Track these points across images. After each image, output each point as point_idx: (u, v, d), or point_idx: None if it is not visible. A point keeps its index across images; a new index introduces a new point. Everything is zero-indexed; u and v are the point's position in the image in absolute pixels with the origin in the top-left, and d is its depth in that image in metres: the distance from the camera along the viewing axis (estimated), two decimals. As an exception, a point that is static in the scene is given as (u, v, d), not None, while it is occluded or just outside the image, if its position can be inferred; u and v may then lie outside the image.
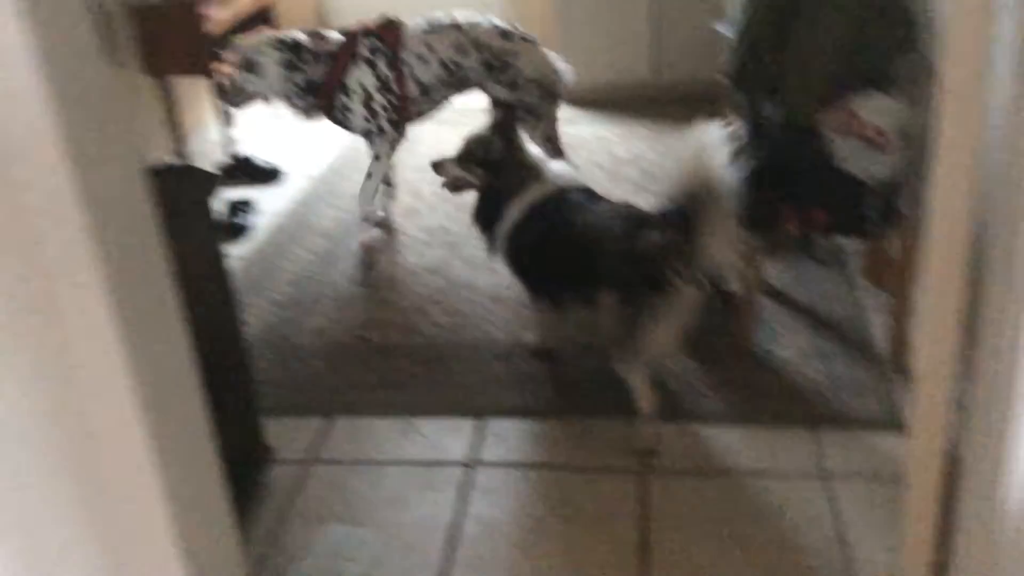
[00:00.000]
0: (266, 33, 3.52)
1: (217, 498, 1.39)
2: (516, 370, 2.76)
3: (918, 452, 2.01)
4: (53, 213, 1.05)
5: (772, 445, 2.41)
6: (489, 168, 2.61)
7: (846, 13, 2.65)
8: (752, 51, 2.71)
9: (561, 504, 2.24)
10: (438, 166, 2.73)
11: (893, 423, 2.42)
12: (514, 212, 2.52)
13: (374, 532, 2.15)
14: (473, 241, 3.38)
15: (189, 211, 2.04)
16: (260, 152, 4.55)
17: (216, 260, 2.14)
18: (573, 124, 4.67)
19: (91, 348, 1.11)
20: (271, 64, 3.31)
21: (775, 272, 3.15)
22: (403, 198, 3.98)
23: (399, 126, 3.51)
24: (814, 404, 2.54)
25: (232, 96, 3.50)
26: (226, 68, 3.51)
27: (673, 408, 2.54)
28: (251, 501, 2.24)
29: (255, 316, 3.14)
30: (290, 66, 3.32)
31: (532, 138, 3.06)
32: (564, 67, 3.49)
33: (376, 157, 3.52)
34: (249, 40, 3.43)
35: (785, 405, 2.55)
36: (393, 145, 3.54)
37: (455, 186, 2.74)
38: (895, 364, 2.65)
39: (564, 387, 2.67)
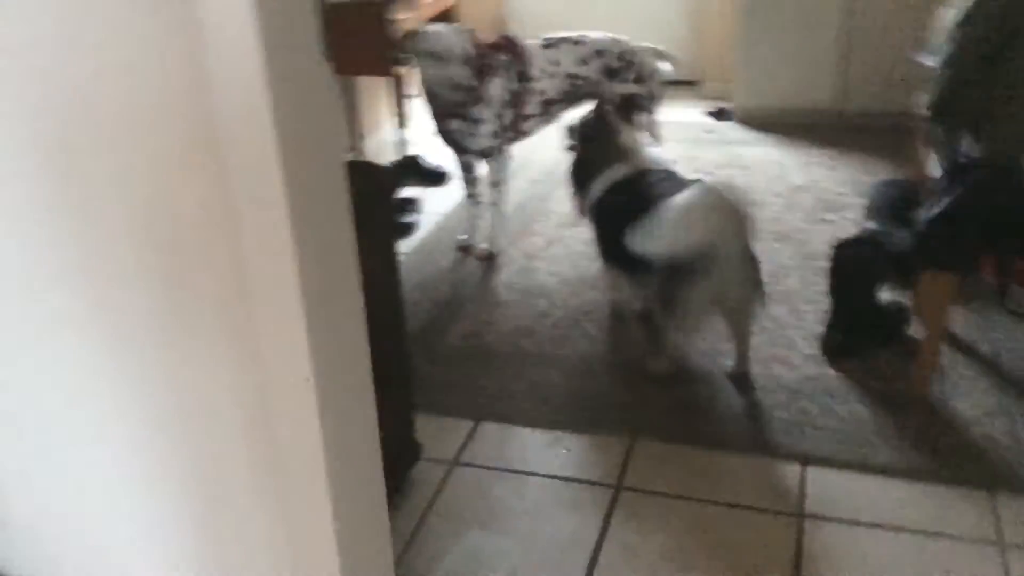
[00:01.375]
0: (442, 24, 3.55)
1: (375, 493, 1.39)
2: (669, 394, 2.67)
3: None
4: (259, 199, 1.07)
5: (944, 504, 2.22)
6: (585, 143, 3.05)
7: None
8: (957, 82, 2.53)
9: (709, 539, 2.15)
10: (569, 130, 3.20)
11: (1087, 497, 2.20)
12: (600, 184, 2.86)
13: (514, 542, 2.12)
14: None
15: (371, 206, 2.07)
16: (429, 154, 4.63)
17: (390, 257, 2.17)
18: (750, 146, 4.55)
19: (279, 336, 1.13)
20: (454, 56, 3.29)
21: (962, 319, 2.93)
22: (562, 209, 3.95)
23: (510, 145, 3.53)
24: (994, 465, 2.33)
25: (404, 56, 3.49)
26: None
27: (839, 455, 2.39)
28: (396, 496, 2.25)
29: (413, 313, 3.18)
30: (465, 62, 3.32)
31: (639, 126, 3.37)
32: (666, 66, 3.70)
33: (496, 184, 3.52)
34: (430, 28, 3.46)
35: (961, 463, 2.35)
36: (507, 165, 3.55)
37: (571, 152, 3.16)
38: (1092, 433, 2.41)
39: (720, 418, 2.56)
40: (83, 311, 1.20)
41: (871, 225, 3.32)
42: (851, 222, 3.63)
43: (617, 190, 2.79)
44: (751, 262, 2.54)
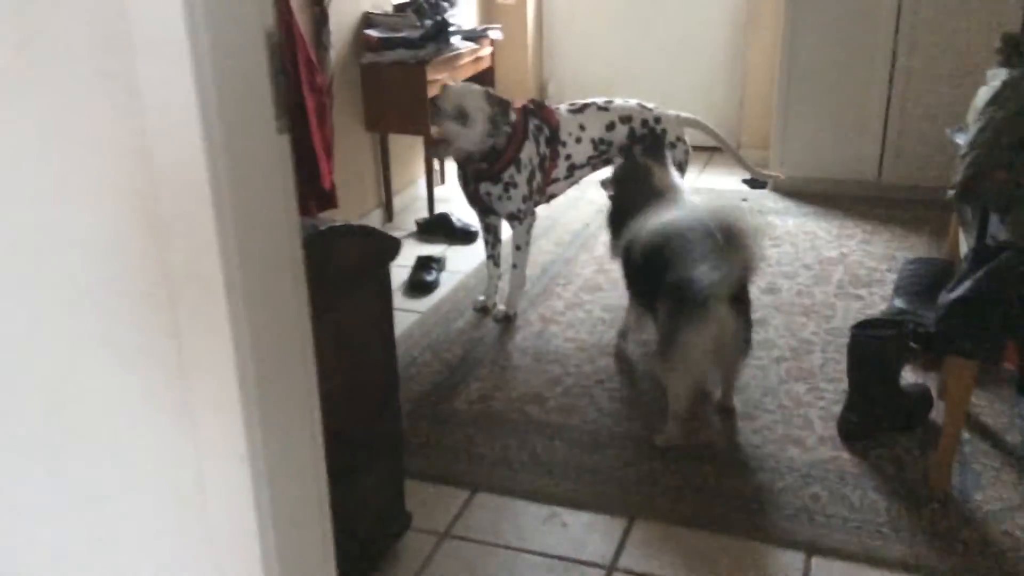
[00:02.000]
0: (471, 84, 3.57)
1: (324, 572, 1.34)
2: (674, 470, 2.58)
3: None
4: (196, 275, 1.05)
5: (957, 608, 2.10)
6: (620, 187, 3.15)
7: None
8: (984, 164, 2.45)
9: (700, 631, 2.05)
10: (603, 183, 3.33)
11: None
12: (637, 225, 2.79)
13: (495, 624, 2.04)
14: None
15: (366, 272, 2.05)
16: (458, 212, 4.64)
17: (385, 323, 2.14)
18: (783, 215, 4.47)
19: (216, 415, 1.10)
20: (480, 117, 3.33)
21: (988, 407, 2.80)
22: (586, 273, 3.91)
23: (535, 208, 3.56)
24: (1012, 566, 2.20)
25: (437, 146, 3.58)
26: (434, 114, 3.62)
27: (847, 546, 2.28)
28: (380, 567, 2.19)
29: (422, 373, 3.15)
30: (493, 124, 3.33)
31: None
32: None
33: (518, 247, 3.51)
34: (458, 86, 3.49)
35: (978, 562, 2.22)
36: (531, 228, 3.52)
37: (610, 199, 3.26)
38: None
39: (728, 500, 2.46)
40: (26, 378, 1.19)
41: (899, 303, 3.23)
42: (880, 298, 3.54)
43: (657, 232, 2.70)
44: (746, 303, 2.67)
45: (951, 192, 2.55)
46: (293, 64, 3.54)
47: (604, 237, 3.48)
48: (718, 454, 2.66)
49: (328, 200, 3.85)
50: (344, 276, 1.97)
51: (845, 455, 2.62)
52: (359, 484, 2.09)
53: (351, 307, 2.02)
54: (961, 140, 2.78)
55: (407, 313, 3.62)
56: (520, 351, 3.30)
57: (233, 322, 1.08)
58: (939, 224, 4.09)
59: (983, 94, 2.75)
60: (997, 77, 2.72)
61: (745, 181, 4.91)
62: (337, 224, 1.98)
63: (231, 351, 1.09)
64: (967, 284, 2.32)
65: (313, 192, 3.74)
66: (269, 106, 1.12)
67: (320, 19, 3.82)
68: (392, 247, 2.12)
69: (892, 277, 3.68)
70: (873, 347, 2.64)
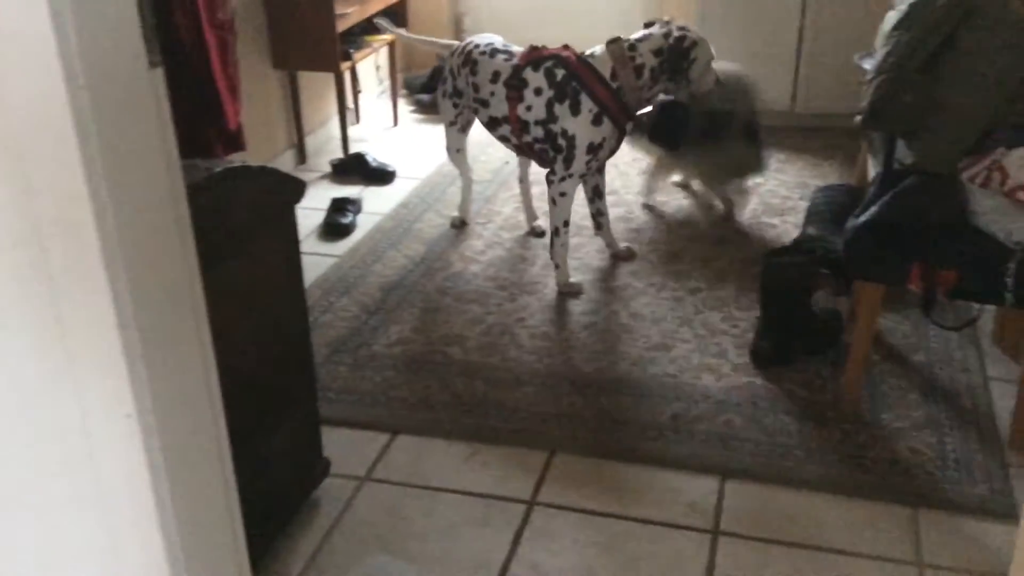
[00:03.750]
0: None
1: (226, 530, 1.30)
2: (592, 403, 2.60)
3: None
4: (65, 222, 0.98)
5: (865, 522, 2.17)
6: None
7: (1013, 50, 2.38)
8: (891, 89, 2.47)
9: (618, 558, 2.08)
10: None
11: (1006, 512, 2.15)
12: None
13: (415, 567, 2.04)
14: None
15: (269, 217, 1.98)
16: (376, 152, 4.54)
17: (292, 268, 2.08)
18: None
19: (99, 373, 1.04)
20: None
21: (897, 328, 2.88)
22: (505, 211, 3.88)
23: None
24: (919, 481, 2.28)
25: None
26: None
27: (760, 468, 2.33)
28: (299, 515, 2.17)
29: (340, 318, 3.10)
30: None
31: None
32: None
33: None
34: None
35: (885, 478, 2.30)
36: None
37: None
38: (1018, 446, 2.37)
39: (644, 430, 2.50)
40: None
41: (810, 230, 3.27)
42: (794, 226, 3.59)
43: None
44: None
45: (858, 118, 2.57)
46: (193, 2, 3.37)
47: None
48: (634, 385, 2.68)
49: (235, 142, 3.71)
50: (245, 221, 1.90)
51: (758, 381, 2.67)
52: (273, 433, 2.05)
53: (255, 253, 1.95)
54: (869, 66, 2.79)
55: (323, 257, 3.55)
56: (440, 292, 3.27)
57: (110, 272, 1.02)
58: (850, 151, 4.15)
59: (891, 18, 2.76)
60: (904, 1, 2.73)
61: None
62: (235, 165, 1.90)
63: (109, 304, 1.03)
64: (873, 209, 2.36)
65: (219, 134, 3.60)
66: (138, 38, 1.05)
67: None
68: (296, 189, 2.04)
69: (805, 205, 3.73)
70: (783, 274, 2.68)
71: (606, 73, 3.03)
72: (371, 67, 5.07)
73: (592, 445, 2.45)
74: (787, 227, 3.61)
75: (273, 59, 4.17)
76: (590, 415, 2.56)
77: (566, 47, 3.16)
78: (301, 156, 4.46)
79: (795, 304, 2.72)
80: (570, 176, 3.12)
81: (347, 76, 4.70)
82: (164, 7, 3.30)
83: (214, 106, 3.52)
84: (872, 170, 2.90)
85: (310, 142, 4.51)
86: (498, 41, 3.38)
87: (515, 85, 3.13)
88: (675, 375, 2.72)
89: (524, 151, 3.33)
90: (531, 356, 2.86)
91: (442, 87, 3.52)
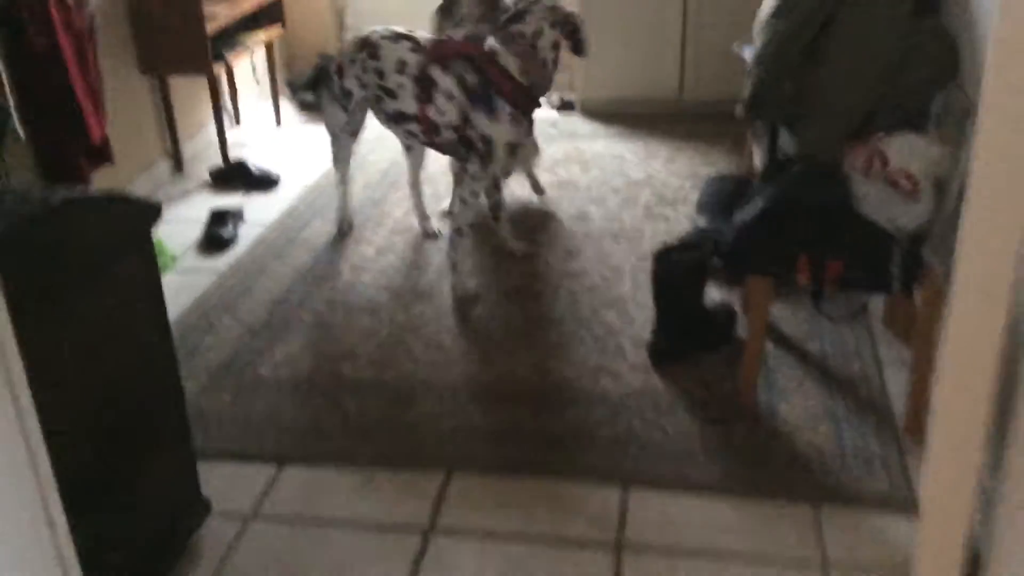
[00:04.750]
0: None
1: None
2: (490, 414, 2.52)
3: (931, 541, 1.76)
4: None
5: (767, 523, 2.14)
6: None
7: (886, 37, 2.37)
8: (770, 77, 2.45)
9: (524, 582, 2.00)
10: None
11: (906, 503, 2.15)
12: None
13: (306, 611, 1.92)
14: (464, 268, 3.15)
15: (119, 248, 1.82)
16: (258, 156, 4.35)
17: (153, 298, 1.92)
18: (592, 139, 4.44)
19: None
20: None
21: (790, 319, 2.88)
22: (396, 214, 3.75)
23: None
24: (819, 476, 2.27)
25: None
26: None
27: (662, 474, 2.28)
28: (177, 564, 2.01)
29: (222, 340, 2.93)
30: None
31: None
32: None
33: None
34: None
35: (786, 476, 2.28)
36: None
37: None
38: (913, 431, 2.37)
39: (545, 441, 2.42)
40: None
41: (700, 222, 3.25)
42: (685, 217, 3.57)
43: None
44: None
45: (739, 108, 2.54)
46: (43, 7, 3.13)
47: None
48: (533, 392, 2.61)
49: (101, 155, 3.49)
50: (90, 256, 1.73)
51: (657, 381, 2.62)
52: (140, 477, 1.89)
53: (107, 286, 1.79)
54: (748, 54, 2.78)
55: (203, 275, 3.36)
56: (329, 306, 3.13)
57: None
58: (737, 139, 4.15)
59: (767, 5, 2.74)
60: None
61: (556, 107, 4.83)
62: (75, 196, 1.73)
63: None
64: (759, 203, 2.33)
65: (82, 148, 3.37)
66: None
67: (69, -49, 3.39)
68: (150, 213, 1.88)
69: (696, 195, 3.72)
70: (674, 272, 2.64)
71: (516, 71, 2.93)
72: (248, 67, 4.85)
73: (491, 461, 2.36)
74: (679, 218, 3.59)
75: (140, 64, 3.93)
76: (488, 429, 2.47)
77: (472, 42, 3.03)
78: (177, 164, 4.23)
79: (688, 300, 2.68)
80: (485, 176, 3.03)
81: (224, 78, 4.48)
82: (13, 14, 3.05)
83: (75, 119, 3.29)
84: (758, 159, 2.88)
85: (187, 149, 4.28)
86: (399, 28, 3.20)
87: (424, 85, 3.00)
88: (573, 379, 2.65)
89: (433, 148, 3.22)
90: (427, 368, 2.75)
91: (328, 91, 3.35)
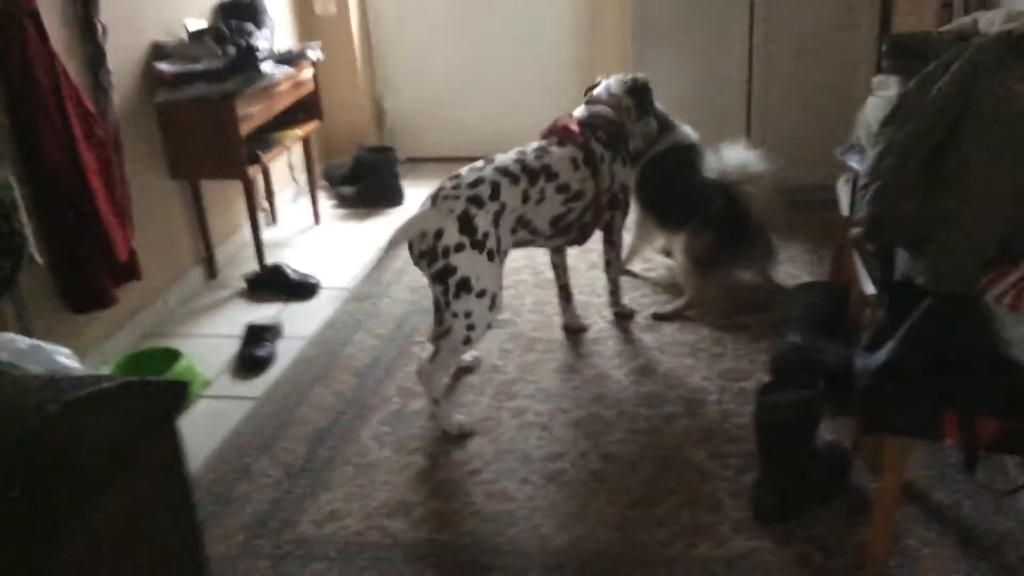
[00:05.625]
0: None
1: None
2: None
3: None
4: None
5: None
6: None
7: (1020, 143, 2.01)
8: (890, 195, 2.09)
9: None
10: None
11: None
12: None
13: None
14: (526, 392, 2.81)
15: (137, 444, 1.50)
16: (296, 258, 4.07)
17: (177, 498, 1.60)
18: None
19: None
20: None
21: (915, 462, 2.47)
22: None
23: None
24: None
25: None
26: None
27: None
28: None
29: (259, 487, 2.59)
30: None
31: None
32: None
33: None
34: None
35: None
36: None
37: None
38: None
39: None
40: None
41: (794, 338, 2.90)
42: (769, 325, 3.21)
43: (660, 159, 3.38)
44: None
45: (855, 230, 2.19)
46: (63, 118, 2.89)
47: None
48: (617, 561, 2.23)
49: (128, 272, 3.22)
50: (104, 455, 1.41)
51: (766, 544, 2.24)
52: None
53: (122, 491, 1.46)
54: (855, 163, 2.44)
55: (238, 401, 3.05)
56: (376, 440, 2.79)
57: None
58: (816, 228, 3.81)
59: (873, 106, 2.41)
60: (887, 86, 2.38)
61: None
62: (88, 390, 1.42)
63: None
64: (889, 346, 1.97)
65: (107, 268, 3.10)
66: None
67: (95, 59, 3.16)
68: (174, 396, 1.56)
69: (776, 297, 3.37)
70: (783, 415, 2.27)
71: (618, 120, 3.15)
72: (284, 165, 4.60)
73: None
74: (762, 327, 3.22)
75: (170, 169, 3.68)
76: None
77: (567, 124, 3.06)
78: (211, 271, 3.96)
79: (799, 446, 2.31)
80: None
81: (259, 177, 4.23)
82: (27, 125, 2.81)
83: (99, 238, 3.02)
84: (865, 279, 2.51)
85: (220, 254, 4.01)
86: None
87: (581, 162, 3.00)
88: (665, 543, 2.27)
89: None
90: (489, 526, 2.38)
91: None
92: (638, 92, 3.19)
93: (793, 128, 4.08)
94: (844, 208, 2.79)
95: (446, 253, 2.60)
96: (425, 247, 2.65)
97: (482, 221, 2.64)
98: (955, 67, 2.07)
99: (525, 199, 2.79)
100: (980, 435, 1.88)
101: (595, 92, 3.22)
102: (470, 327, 2.67)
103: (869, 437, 2.30)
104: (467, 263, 2.62)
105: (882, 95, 2.37)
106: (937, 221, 2.06)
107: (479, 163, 2.83)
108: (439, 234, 2.60)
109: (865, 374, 1.96)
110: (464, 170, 2.79)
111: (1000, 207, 2.02)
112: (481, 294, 2.64)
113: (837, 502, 2.34)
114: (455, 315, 2.66)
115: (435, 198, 2.69)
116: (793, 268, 3.63)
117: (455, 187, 2.69)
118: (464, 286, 2.62)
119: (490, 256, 2.66)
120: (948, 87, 2.07)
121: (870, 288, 2.40)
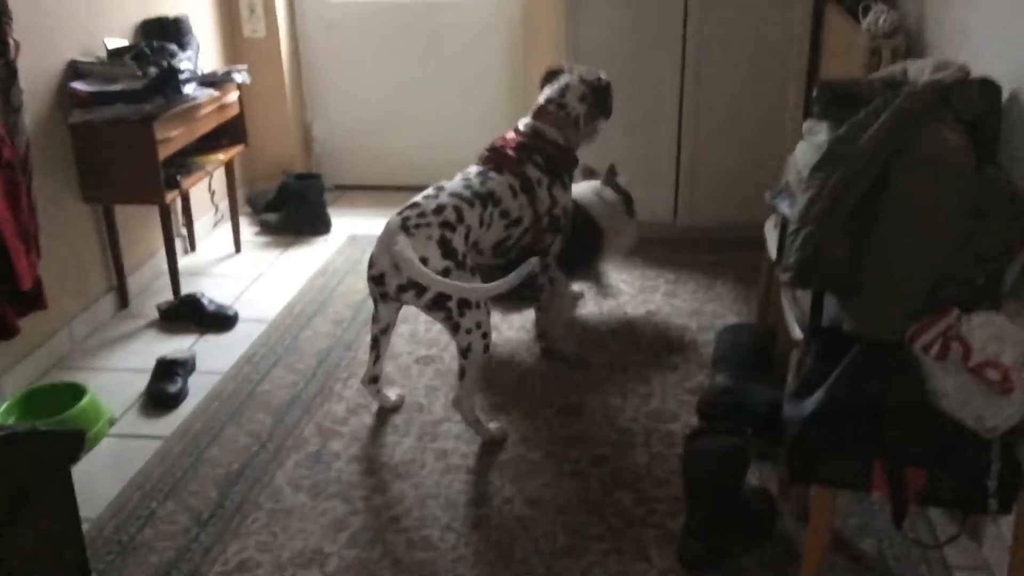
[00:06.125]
0: None
1: None
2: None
3: None
4: None
5: None
6: None
7: (952, 199, 2.02)
8: (820, 239, 2.09)
9: None
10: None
11: None
12: None
13: None
14: (453, 433, 2.72)
15: (27, 496, 1.37)
16: (214, 287, 3.92)
17: (68, 549, 1.46)
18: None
19: None
20: None
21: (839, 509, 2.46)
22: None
23: None
24: None
25: None
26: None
27: None
28: None
29: (163, 534, 2.44)
30: None
31: None
32: None
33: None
34: None
35: None
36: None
37: None
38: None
39: None
40: None
41: (721, 379, 2.88)
42: (696, 366, 3.19)
43: None
44: None
45: (785, 275, 2.17)
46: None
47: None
48: (545, 613, 2.15)
49: (32, 301, 3.03)
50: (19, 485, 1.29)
51: (692, 595, 2.19)
52: None
53: (9, 547, 1.34)
54: (786, 208, 2.43)
55: (144, 440, 2.89)
56: (292, 484, 2.66)
57: None
58: (743, 267, 3.83)
59: (803, 151, 2.42)
60: (816, 131, 2.39)
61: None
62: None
63: None
64: (819, 395, 1.94)
65: (9, 296, 2.91)
66: None
67: (6, 77, 2.99)
68: (69, 445, 1.44)
69: (704, 337, 3.36)
70: (711, 464, 2.23)
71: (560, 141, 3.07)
72: (205, 190, 4.45)
73: None
74: (690, 367, 3.20)
75: (83, 192, 3.51)
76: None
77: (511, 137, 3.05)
78: (122, 300, 3.78)
79: (726, 494, 2.27)
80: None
81: (178, 203, 4.08)
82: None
83: (1, 264, 2.84)
84: (790, 318, 2.51)
85: (133, 282, 3.84)
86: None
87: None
88: (590, 594, 2.21)
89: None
90: (413, 571, 2.28)
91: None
92: (597, 94, 3.16)
93: (722, 168, 4.11)
94: (772, 251, 2.79)
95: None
96: (404, 280, 2.62)
97: (458, 243, 2.67)
98: (886, 115, 2.08)
99: (480, 223, 2.79)
100: (909, 487, 1.86)
101: (546, 95, 3.12)
102: (485, 335, 2.71)
103: (796, 486, 2.27)
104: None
105: (812, 140, 2.38)
106: (865, 268, 2.06)
107: (430, 191, 2.80)
108: (424, 263, 2.57)
109: (794, 423, 1.94)
110: (419, 198, 2.77)
111: (928, 256, 2.03)
112: (478, 304, 2.68)
113: (764, 550, 2.30)
114: (468, 331, 2.68)
115: (405, 228, 2.63)
116: (720, 307, 3.63)
117: (421, 215, 2.67)
118: (465, 303, 2.64)
119: (472, 272, 2.71)
120: (879, 134, 2.09)
121: (797, 332, 2.39)
